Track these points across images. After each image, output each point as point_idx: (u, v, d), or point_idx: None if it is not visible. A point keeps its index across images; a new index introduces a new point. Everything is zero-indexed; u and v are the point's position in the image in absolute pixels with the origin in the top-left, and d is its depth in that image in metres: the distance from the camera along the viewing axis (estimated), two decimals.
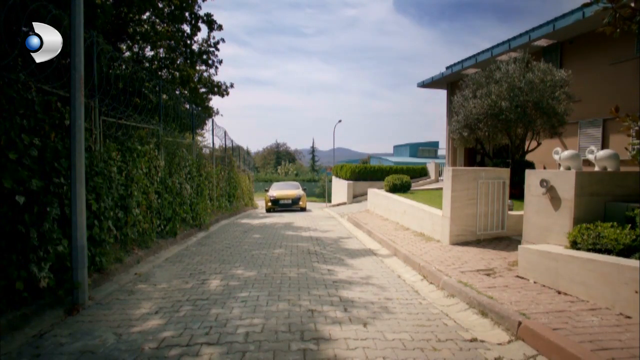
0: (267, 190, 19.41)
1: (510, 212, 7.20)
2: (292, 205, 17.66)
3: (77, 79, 3.91)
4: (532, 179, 5.36)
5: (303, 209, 17.90)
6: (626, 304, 3.39)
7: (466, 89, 11.15)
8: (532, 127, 10.16)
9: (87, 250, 4.18)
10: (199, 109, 12.97)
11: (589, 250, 4.07)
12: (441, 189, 7.86)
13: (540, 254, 4.40)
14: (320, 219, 13.54)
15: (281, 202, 17.56)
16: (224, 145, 16.03)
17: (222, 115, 17.11)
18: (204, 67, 13.40)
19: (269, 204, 17.81)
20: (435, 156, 43.26)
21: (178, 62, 12.19)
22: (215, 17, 12.53)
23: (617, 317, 3.34)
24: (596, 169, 5.41)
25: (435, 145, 48.04)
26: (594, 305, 3.62)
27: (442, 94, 21.18)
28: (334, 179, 26.96)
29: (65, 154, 4.15)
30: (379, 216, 11.72)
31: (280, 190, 19.01)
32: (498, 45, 15.70)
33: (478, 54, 16.98)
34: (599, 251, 3.96)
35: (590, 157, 5.50)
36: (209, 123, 14.30)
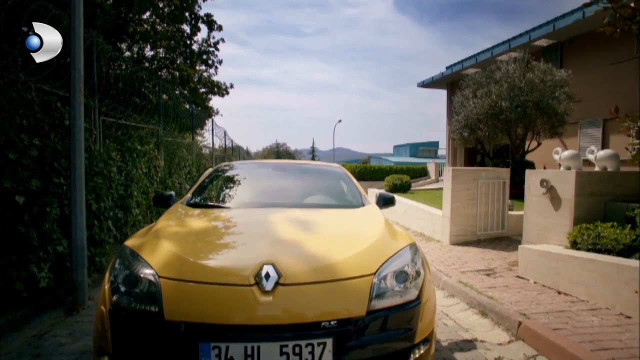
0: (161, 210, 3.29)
1: (510, 212, 7.20)
2: None
3: (76, 79, 3.90)
4: (532, 179, 5.36)
5: None
6: (626, 304, 3.39)
7: (466, 89, 11.16)
8: (532, 127, 10.16)
9: (87, 250, 4.17)
10: (199, 109, 12.96)
11: (589, 250, 4.06)
12: (441, 189, 7.85)
13: (541, 254, 4.40)
14: None
15: None
16: (223, 145, 16.02)
17: (222, 115, 17.08)
18: (203, 67, 13.42)
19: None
20: (435, 156, 43.29)
21: (178, 62, 12.19)
22: (215, 17, 12.55)
23: (617, 317, 3.34)
24: (596, 169, 5.40)
25: (435, 145, 48.09)
26: (594, 305, 3.62)
27: (442, 94, 21.20)
28: None
29: (65, 154, 4.14)
30: None
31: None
32: (498, 45, 15.70)
33: (478, 53, 16.98)
34: (599, 251, 3.95)
35: (590, 157, 5.49)
36: (208, 123, 14.31)
